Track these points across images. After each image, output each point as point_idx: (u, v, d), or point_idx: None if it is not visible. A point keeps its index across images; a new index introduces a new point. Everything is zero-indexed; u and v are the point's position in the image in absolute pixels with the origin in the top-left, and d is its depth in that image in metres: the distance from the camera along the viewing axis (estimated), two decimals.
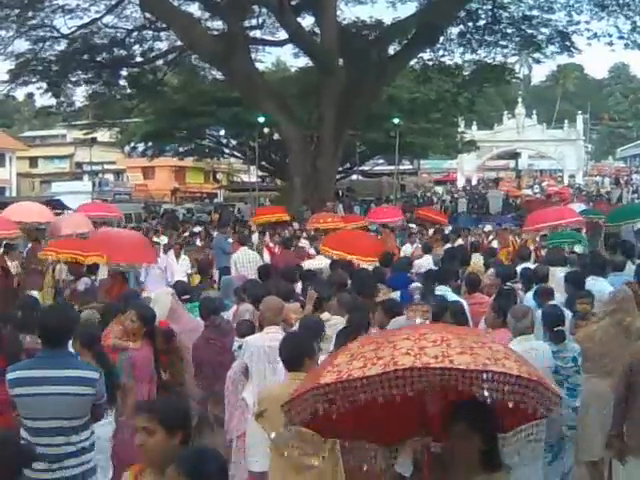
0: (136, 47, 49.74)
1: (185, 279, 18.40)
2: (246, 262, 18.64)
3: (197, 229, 32.40)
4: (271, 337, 9.24)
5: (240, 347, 9.69)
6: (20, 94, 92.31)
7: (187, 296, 12.89)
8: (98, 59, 48.98)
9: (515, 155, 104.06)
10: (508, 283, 12.75)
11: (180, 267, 20.87)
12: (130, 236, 20.05)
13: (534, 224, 22.10)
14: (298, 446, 6.84)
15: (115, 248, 16.50)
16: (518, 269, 14.14)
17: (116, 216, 30.41)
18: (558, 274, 13.51)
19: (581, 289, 11.35)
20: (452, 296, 11.57)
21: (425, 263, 17.34)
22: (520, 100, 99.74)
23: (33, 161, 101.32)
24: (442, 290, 11.89)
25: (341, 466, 7.41)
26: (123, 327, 9.78)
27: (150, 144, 65.80)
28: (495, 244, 23.79)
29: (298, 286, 13.58)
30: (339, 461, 7.37)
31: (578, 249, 19.65)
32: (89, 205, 32.39)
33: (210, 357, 10.23)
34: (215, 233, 28.24)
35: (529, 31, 46.05)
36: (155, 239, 26.24)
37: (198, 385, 10.44)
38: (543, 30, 46.06)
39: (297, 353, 7.54)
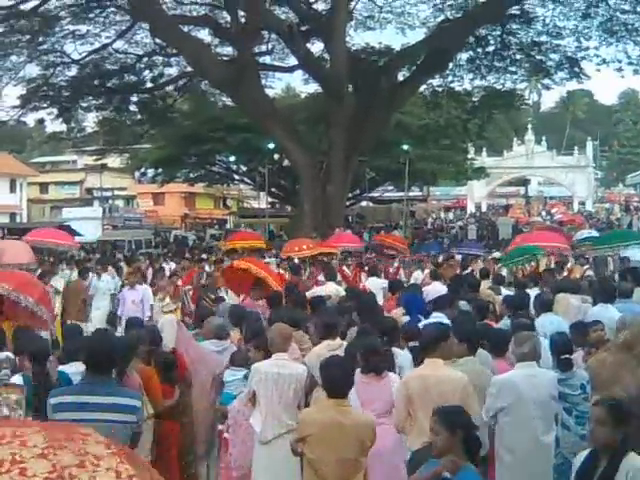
0: (146, 73, 50.07)
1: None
2: None
3: (205, 255, 32.26)
4: (280, 364, 9.21)
5: (246, 377, 9.66)
6: (31, 119, 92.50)
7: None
8: (109, 85, 49.23)
9: (525, 182, 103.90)
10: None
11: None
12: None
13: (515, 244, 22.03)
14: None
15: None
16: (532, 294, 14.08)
17: (70, 245, 28.96)
18: (572, 301, 13.46)
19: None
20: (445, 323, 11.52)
21: (433, 290, 17.23)
22: (529, 126, 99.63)
23: (44, 187, 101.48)
24: (437, 317, 11.84)
25: None
26: None
27: (160, 170, 65.89)
28: (504, 272, 23.72)
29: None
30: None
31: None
32: (41, 231, 30.83)
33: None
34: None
35: (538, 57, 46.12)
36: (164, 265, 26.38)
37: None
38: (552, 56, 46.17)
39: (346, 382, 7.58)
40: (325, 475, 7.22)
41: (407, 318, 12.92)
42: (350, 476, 7.29)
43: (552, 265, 21.89)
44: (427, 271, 22.97)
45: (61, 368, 9.30)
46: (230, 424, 9.53)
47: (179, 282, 21.42)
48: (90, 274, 23.26)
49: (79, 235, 48.93)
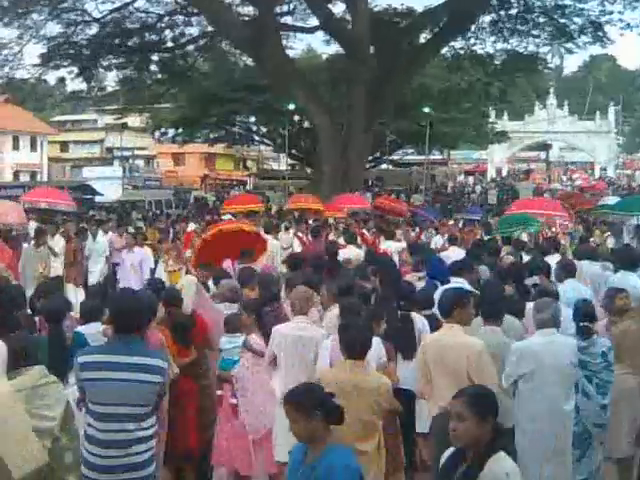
0: (167, 32, 49.81)
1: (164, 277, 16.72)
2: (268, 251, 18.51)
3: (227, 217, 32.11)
4: (300, 327, 9.25)
5: (244, 343, 9.66)
6: (52, 78, 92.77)
7: None
8: (129, 44, 49.06)
9: (546, 146, 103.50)
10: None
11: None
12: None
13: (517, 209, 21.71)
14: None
15: None
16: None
17: (68, 204, 27.99)
18: (593, 269, 13.42)
19: None
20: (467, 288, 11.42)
21: (452, 255, 17.14)
22: (552, 90, 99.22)
23: (64, 146, 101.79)
24: (458, 282, 11.75)
25: (383, 448, 7.56)
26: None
27: (180, 130, 65.99)
28: (525, 237, 23.64)
29: None
30: (382, 444, 7.53)
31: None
32: (37, 190, 30.47)
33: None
34: None
35: (561, 21, 45.59)
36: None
37: None
38: (576, 20, 45.60)
39: (364, 343, 7.59)
40: (341, 436, 7.21)
41: (422, 284, 12.91)
42: (366, 437, 7.33)
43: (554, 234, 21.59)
44: (447, 236, 22.88)
45: (79, 329, 9.32)
46: (238, 389, 9.48)
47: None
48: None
49: (99, 195, 49.15)
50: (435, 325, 10.01)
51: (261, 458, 9.36)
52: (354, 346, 7.49)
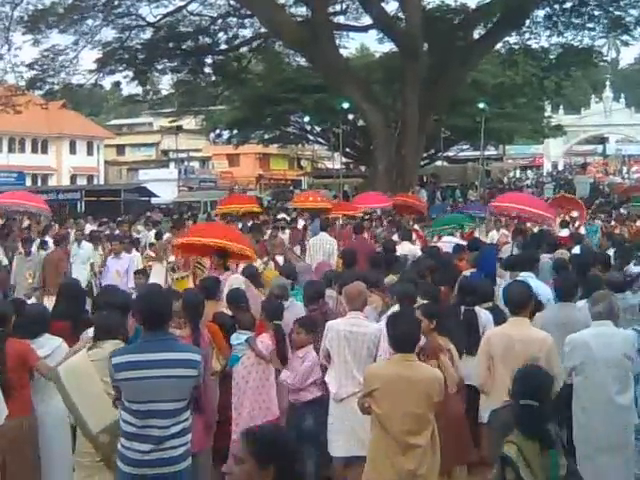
0: (221, 34, 50.09)
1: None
2: (318, 247, 18.55)
3: (281, 215, 32.17)
4: (352, 322, 9.25)
5: (247, 340, 9.67)
6: (107, 83, 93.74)
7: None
8: (183, 47, 49.43)
9: (602, 140, 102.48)
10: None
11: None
12: None
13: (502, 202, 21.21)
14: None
15: None
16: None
17: (42, 208, 26.68)
18: None
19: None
20: (535, 282, 11.34)
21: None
22: (608, 83, 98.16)
23: (120, 149, 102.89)
24: (527, 276, 11.66)
25: (437, 443, 7.48)
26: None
27: (235, 131, 66.27)
28: (582, 230, 23.47)
29: None
30: (437, 438, 7.46)
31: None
32: (14, 193, 29.39)
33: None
34: None
35: (617, 13, 45.10)
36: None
37: None
38: (631, 12, 45.08)
39: (413, 337, 7.53)
40: (393, 430, 7.23)
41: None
42: (418, 431, 7.29)
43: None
44: (502, 230, 22.76)
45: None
46: (233, 389, 9.46)
47: None
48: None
49: (156, 196, 49.59)
50: (497, 317, 10.08)
51: None
52: (403, 340, 7.43)
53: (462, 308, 10.54)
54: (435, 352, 8.57)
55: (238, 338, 9.77)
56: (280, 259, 17.30)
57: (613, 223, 25.63)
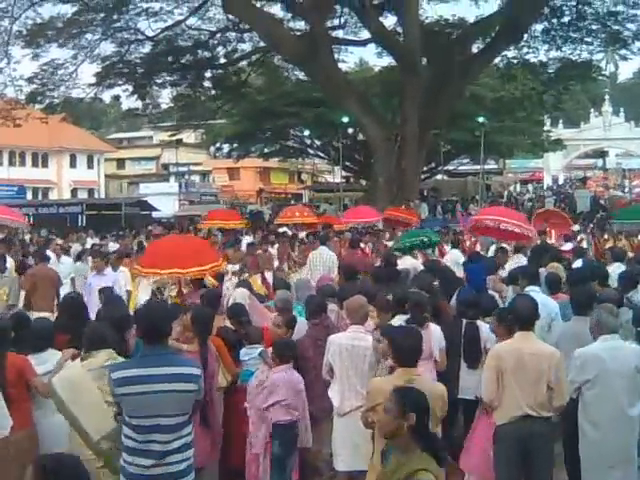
0: (220, 49, 50.28)
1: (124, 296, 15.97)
2: (318, 261, 18.53)
3: (283, 229, 32.08)
4: (354, 336, 9.27)
5: (260, 354, 9.69)
6: (107, 97, 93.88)
7: None
8: (182, 61, 49.56)
9: (602, 154, 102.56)
10: None
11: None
12: None
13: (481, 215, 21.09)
14: None
15: None
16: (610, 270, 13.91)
17: (13, 220, 25.66)
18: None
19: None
20: (540, 296, 11.32)
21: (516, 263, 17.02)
22: (607, 97, 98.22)
23: (120, 163, 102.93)
24: (532, 290, 11.64)
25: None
26: (182, 328, 9.82)
27: (235, 145, 66.46)
28: (585, 244, 23.47)
29: None
30: None
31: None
32: None
33: (315, 357, 9.83)
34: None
35: (615, 27, 45.22)
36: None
37: None
38: (629, 26, 45.23)
39: (416, 351, 7.52)
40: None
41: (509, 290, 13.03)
42: None
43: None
44: (504, 244, 22.70)
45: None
46: (249, 404, 9.35)
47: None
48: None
49: (156, 210, 49.63)
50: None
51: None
52: (406, 354, 7.42)
53: (464, 321, 10.54)
54: None
55: (249, 353, 9.74)
56: (268, 275, 17.52)
57: (606, 236, 25.50)
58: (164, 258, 13.08)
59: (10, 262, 18.74)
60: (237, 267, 17.71)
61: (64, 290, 18.41)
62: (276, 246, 23.65)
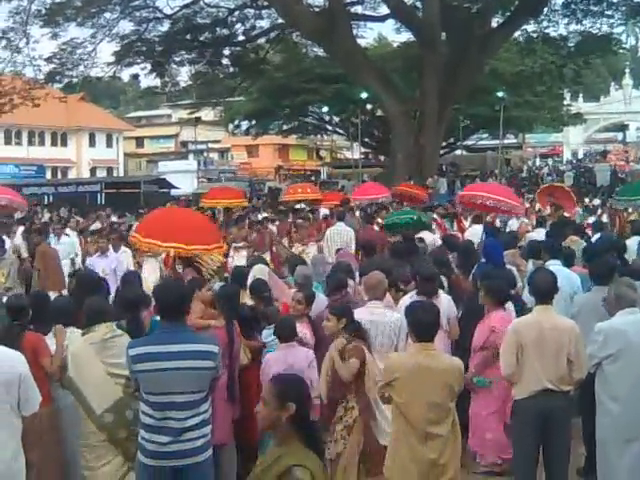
0: (238, 26, 50.15)
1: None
2: (337, 237, 18.50)
3: (300, 205, 31.95)
4: (372, 311, 9.27)
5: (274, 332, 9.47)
6: (125, 75, 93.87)
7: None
8: (201, 39, 49.51)
9: (623, 127, 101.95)
10: None
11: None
12: None
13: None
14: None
15: None
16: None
17: (13, 200, 23.34)
18: None
19: None
20: (562, 270, 11.28)
21: (538, 237, 16.96)
22: (627, 71, 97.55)
23: (139, 141, 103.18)
24: (554, 264, 11.62)
25: (459, 432, 7.50)
26: (203, 305, 9.81)
27: (254, 122, 66.43)
28: (604, 218, 23.40)
29: None
30: (457, 427, 7.46)
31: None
32: None
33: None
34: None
35: (636, 0, 44.83)
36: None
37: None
38: None
39: (432, 326, 7.50)
40: (414, 419, 7.22)
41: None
42: (439, 420, 7.27)
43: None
44: (522, 219, 22.67)
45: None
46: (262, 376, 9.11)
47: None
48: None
49: (175, 188, 49.66)
50: (519, 306, 10.21)
51: None
52: (423, 328, 7.42)
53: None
54: (357, 350, 8.29)
55: (270, 334, 9.55)
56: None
57: (630, 210, 25.12)
58: (167, 231, 12.59)
59: (9, 243, 18.45)
60: (241, 244, 17.64)
61: (64, 270, 18.47)
62: (276, 223, 23.66)
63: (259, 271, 12.19)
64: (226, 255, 15.71)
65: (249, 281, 11.37)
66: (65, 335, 8.46)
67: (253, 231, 20.36)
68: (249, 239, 19.11)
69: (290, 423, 5.26)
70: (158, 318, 8.56)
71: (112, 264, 16.42)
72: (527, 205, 27.05)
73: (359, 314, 9.20)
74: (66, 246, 20.24)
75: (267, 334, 9.64)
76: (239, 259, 16.27)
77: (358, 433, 8.08)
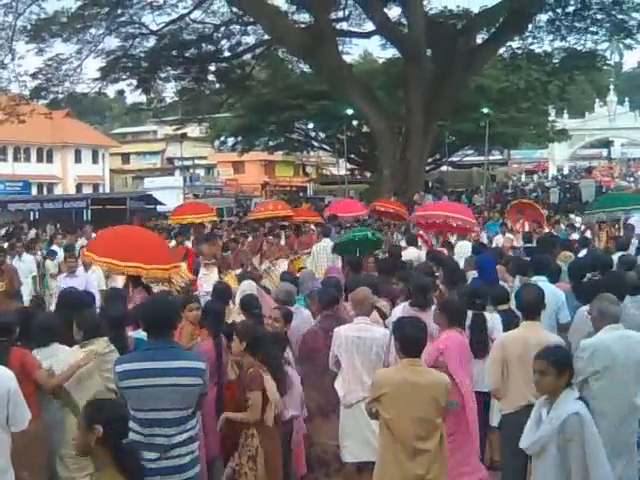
0: (224, 42, 50.15)
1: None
2: (322, 253, 18.56)
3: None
4: (360, 327, 9.27)
5: None
6: (111, 91, 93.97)
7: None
8: (187, 55, 49.52)
9: (607, 143, 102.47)
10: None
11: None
12: None
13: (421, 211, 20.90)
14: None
15: None
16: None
17: None
18: None
19: None
20: (547, 285, 11.31)
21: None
22: (612, 87, 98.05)
23: (125, 157, 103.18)
24: (539, 280, 11.64)
25: (446, 447, 7.49)
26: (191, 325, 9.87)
27: (240, 138, 66.44)
28: (588, 234, 23.46)
29: None
30: (445, 443, 7.45)
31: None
32: None
33: (326, 348, 9.66)
34: None
35: (620, 17, 44.97)
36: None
37: (301, 374, 9.69)
38: (634, 15, 44.98)
39: (420, 341, 7.53)
40: (401, 435, 7.23)
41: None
42: (427, 436, 7.28)
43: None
44: (508, 235, 22.75)
45: (135, 334, 9.42)
46: None
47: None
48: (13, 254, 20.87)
49: (162, 204, 49.64)
50: (510, 320, 10.15)
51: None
52: (410, 344, 7.43)
53: (470, 312, 10.54)
54: (255, 382, 8.13)
55: None
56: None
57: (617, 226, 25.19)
58: (125, 250, 12.41)
59: None
60: (212, 261, 17.53)
61: (25, 288, 18.74)
62: (249, 239, 23.68)
63: (247, 286, 12.19)
64: (196, 272, 15.77)
65: (237, 297, 11.38)
66: (80, 357, 8.42)
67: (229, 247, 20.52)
68: (218, 256, 19.03)
69: (103, 447, 5.17)
70: (140, 336, 8.59)
71: (82, 284, 15.31)
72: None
73: (346, 330, 9.22)
74: (27, 264, 20.15)
75: None
76: (210, 276, 16.26)
77: (262, 464, 8.05)
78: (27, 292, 18.94)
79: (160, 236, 19.09)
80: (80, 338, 8.61)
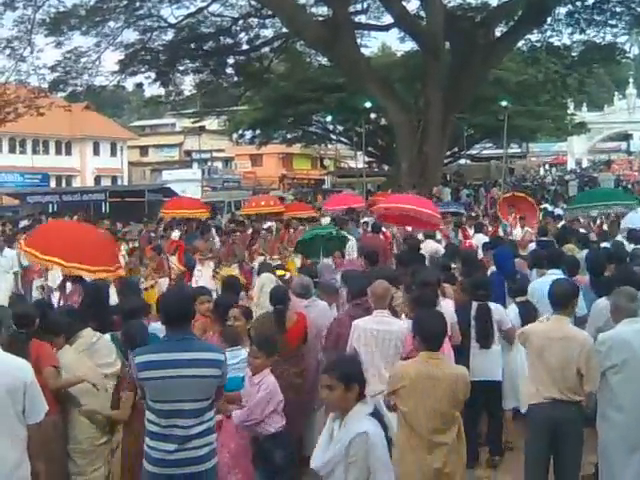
0: (242, 35, 50.11)
1: None
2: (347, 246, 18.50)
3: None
4: (378, 320, 9.28)
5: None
6: (129, 84, 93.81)
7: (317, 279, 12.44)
8: (205, 48, 49.50)
9: (627, 137, 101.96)
10: None
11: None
12: None
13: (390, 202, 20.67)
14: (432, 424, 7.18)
15: None
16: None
17: None
18: None
19: None
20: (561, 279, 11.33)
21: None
22: (631, 80, 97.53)
23: (143, 150, 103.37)
24: (554, 274, 11.63)
25: (464, 441, 7.49)
26: (204, 320, 9.94)
27: (258, 131, 66.44)
28: (605, 227, 23.38)
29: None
30: (462, 436, 7.46)
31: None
32: None
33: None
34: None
35: (639, 9, 44.83)
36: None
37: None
38: None
39: (440, 335, 7.57)
40: (419, 428, 7.23)
41: None
42: (444, 429, 7.29)
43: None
44: (527, 228, 22.69)
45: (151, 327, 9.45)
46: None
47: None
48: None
49: (179, 197, 49.70)
50: (528, 312, 10.33)
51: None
52: (429, 338, 7.44)
53: (475, 303, 10.56)
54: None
55: (235, 356, 8.75)
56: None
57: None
58: (50, 243, 12.10)
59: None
60: (208, 255, 17.60)
61: (4, 284, 18.40)
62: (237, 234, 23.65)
63: (267, 280, 12.19)
64: (193, 266, 15.96)
65: (256, 289, 11.40)
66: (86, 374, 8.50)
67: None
68: (214, 250, 19.16)
69: None
70: (157, 327, 8.61)
71: (56, 280, 14.49)
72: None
73: (365, 323, 9.23)
74: (8, 260, 19.57)
75: (232, 356, 8.49)
76: (206, 270, 16.35)
77: (118, 459, 8.20)
78: (8, 288, 18.39)
79: (105, 233, 18.67)
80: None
